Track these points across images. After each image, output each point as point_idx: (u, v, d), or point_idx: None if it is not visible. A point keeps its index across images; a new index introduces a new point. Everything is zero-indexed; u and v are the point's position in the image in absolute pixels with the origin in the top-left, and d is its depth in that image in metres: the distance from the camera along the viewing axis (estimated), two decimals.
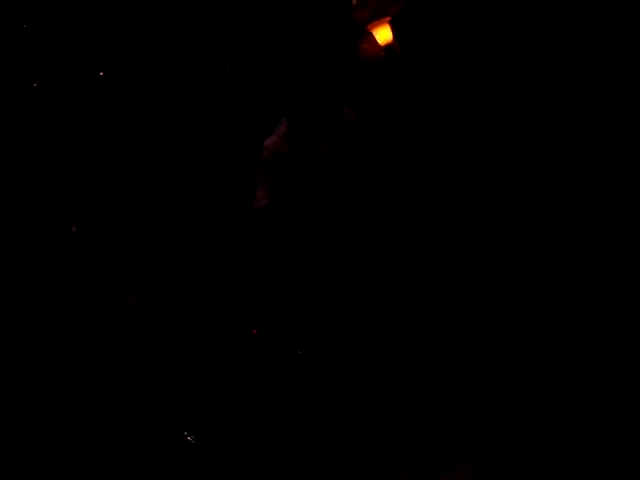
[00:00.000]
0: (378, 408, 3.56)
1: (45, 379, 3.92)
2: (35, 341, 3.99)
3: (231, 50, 4.81)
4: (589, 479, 3.49)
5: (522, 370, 3.98)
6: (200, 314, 3.92)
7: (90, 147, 4.43)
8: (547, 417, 3.74)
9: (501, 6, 5.33)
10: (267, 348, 3.74)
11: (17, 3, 4.52)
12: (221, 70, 4.76)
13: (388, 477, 3.48)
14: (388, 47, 5.26)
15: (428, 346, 3.92)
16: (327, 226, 3.53)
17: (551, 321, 4.11)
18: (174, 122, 4.65)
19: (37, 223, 4.25)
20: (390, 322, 3.68)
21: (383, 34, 5.26)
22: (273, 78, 3.93)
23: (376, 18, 5.26)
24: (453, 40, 5.37)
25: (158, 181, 4.49)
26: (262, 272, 4.00)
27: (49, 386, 3.89)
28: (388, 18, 5.28)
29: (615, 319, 4.00)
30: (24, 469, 3.61)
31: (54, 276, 4.16)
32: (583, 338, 4.06)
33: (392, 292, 3.67)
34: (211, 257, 4.34)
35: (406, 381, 3.79)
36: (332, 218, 3.52)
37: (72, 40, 4.60)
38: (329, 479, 3.42)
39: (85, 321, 4.07)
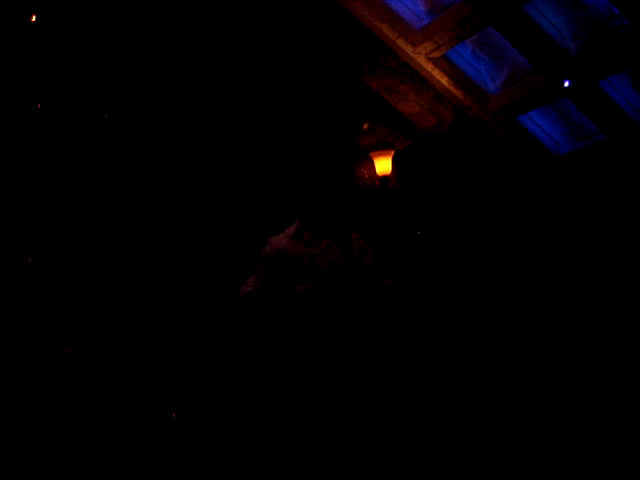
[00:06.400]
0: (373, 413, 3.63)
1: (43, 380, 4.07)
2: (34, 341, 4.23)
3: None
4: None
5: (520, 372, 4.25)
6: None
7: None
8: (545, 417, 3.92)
9: (497, 173, 5.27)
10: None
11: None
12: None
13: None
14: (384, 178, 5.34)
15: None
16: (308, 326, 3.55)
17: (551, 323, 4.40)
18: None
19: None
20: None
21: (383, 165, 5.34)
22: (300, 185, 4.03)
23: (381, 149, 5.31)
24: (450, 188, 5.36)
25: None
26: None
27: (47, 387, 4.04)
28: (392, 152, 5.33)
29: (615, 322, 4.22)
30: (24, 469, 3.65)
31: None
32: (583, 341, 4.29)
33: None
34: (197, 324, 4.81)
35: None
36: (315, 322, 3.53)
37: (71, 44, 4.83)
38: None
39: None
